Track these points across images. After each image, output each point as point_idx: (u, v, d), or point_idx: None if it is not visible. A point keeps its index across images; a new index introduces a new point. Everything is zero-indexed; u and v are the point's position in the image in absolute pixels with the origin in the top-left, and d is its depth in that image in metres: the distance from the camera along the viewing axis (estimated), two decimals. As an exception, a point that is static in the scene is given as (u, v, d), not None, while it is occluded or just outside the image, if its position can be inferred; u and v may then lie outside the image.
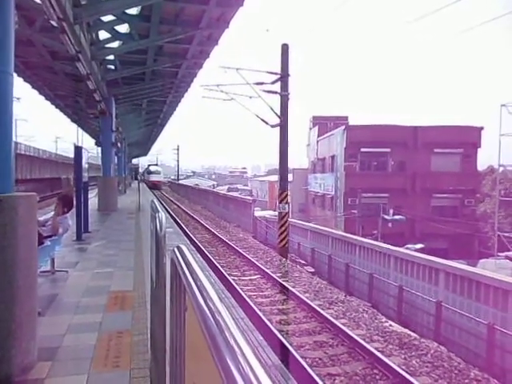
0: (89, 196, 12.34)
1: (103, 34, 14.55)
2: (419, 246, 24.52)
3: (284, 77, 18.16)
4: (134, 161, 69.02)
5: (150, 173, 60.30)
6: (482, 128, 31.66)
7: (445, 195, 30.76)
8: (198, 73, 20.16)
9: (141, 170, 65.53)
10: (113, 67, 17.88)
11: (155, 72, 19.35)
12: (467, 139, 31.05)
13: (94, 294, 5.76)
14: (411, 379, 6.47)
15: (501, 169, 28.56)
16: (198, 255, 10.37)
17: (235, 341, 0.87)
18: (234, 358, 0.81)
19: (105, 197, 17.32)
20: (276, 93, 18.49)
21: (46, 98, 25.37)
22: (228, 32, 14.54)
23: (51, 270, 6.79)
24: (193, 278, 1.26)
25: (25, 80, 19.91)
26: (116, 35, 14.48)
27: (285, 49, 18.33)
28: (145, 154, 75.09)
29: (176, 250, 1.65)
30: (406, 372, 6.81)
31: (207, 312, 1.02)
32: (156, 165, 68.63)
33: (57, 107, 28.75)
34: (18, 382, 3.31)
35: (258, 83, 18.57)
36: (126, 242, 9.92)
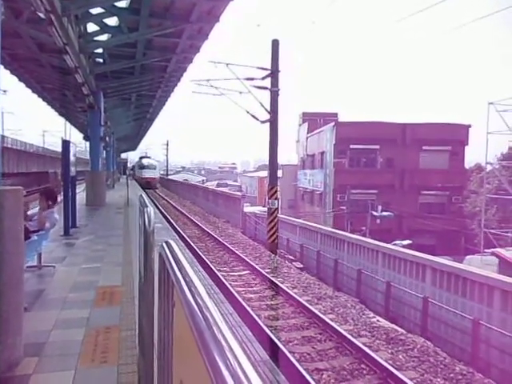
0: (77, 190, 12.22)
1: (92, 27, 14.37)
2: (407, 242, 24.74)
3: (274, 72, 18.13)
4: (123, 155, 68.23)
5: (142, 167, 47.14)
6: (469, 126, 31.98)
7: (433, 192, 31.04)
8: (188, 67, 20.04)
9: (129, 165, 62.96)
10: (101, 60, 17.68)
11: (145, 66, 19.19)
12: (455, 137, 31.35)
13: (82, 289, 5.72)
14: (398, 373, 6.55)
15: (488, 166, 28.88)
16: (187, 250, 10.34)
17: (223, 336, 0.87)
18: (222, 354, 0.80)
19: (93, 191, 17.18)
20: (266, 88, 18.45)
21: (33, 91, 25.02)
22: (218, 26, 14.43)
23: (38, 265, 6.72)
24: (181, 274, 1.26)
25: (12, 72, 19.60)
26: (105, 28, 14.31)
27: (275, 44, 18.29)
28: (134, 148, 74.49)
29: (164, 245, 1.64)
30: (393, 366, 6.89)
31: (195, 307, 1.02)
32: (149, 157, 54.58)
33: (44, 100, 28.37)
34: (4, 378, 3.28)
35: (248, 78, 18.52)
36: (115, 237, 9.86)
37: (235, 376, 0.72)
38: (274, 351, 7.00)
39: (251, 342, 5.27)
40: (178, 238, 11.28)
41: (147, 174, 46.13)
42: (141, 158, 54.10)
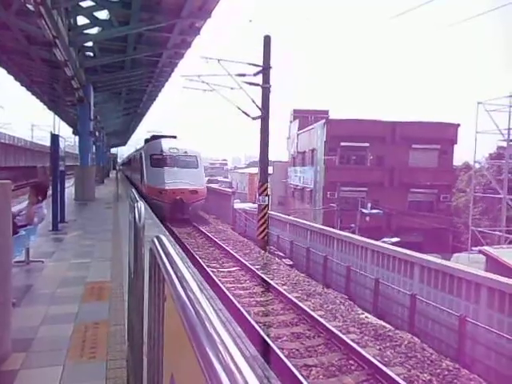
0: (66, 185, 12.12)
1: (82, 20, 14.21)
2: (395, 239, 24.91)
3: (266, 69, 18.11)
4: (113, 150, 67.68)
5: (161, 161, 22.46)
6: (458, 125, 32.27)
7: (421, 190, 31.29)
8: (178, 63, 19.92)
9: (119, 160, 61.52)
10: (91, 54, 17.50)
11: (135, 60, 19.03)
12: (444, 135, 31.61)
13: (71, 284, 5.68)
14: (385, 369, 6.62)
15: (476, 165, 29.21)
16: (177, 246, 10.30)
17: (215, 330, 0.87)
18: (214, 347, 0.81)
19: (82, 186, 17.04)
20: (257, 85, 18.43)
21: (22, 84, 24.70)
22: (210, 22, 14.36)
23: (26, 260, 6.66)
24: (172, 268, 1.26)
25: (0, 65, 19.34)
26: (95, 21, 14.15)
27: (267, 41, 18.27)
28: (124, 143, 73.92)
29: (155, 240, 1.64)
30: (381, 362, 6.96)
31: (187, 302, 1.02)
32: (174, 137, 26.77)
33: (33, 94, 28.01)
34: (-10, 373, 3.25)
35: (239, 75, 18.49)
36: (104, 233, 9.80)
37: (227, 369, 0.73)
38: (263, 347, 7.03)
39: (241, 337, 5.28)
40: (168, 233, 11.23)
41: (178, 180, 21.50)
42: (153, 137, 26.92)
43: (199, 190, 21.76)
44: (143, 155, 23.38)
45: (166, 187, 20.76)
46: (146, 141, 27.44)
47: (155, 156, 22.42)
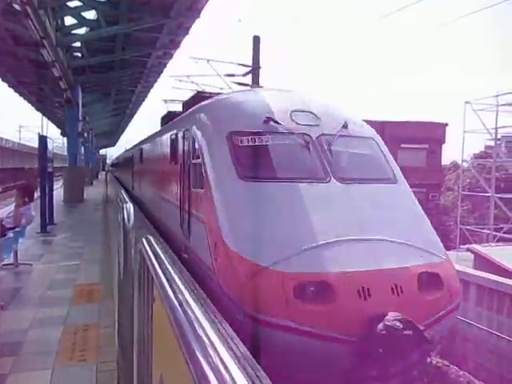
0: (54, 187, 12.01)
1: (69, 20, 14.10)
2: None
3: (255, 69, 18.11)
4: (102, 152, 67.25)
5: (280, 162, 5.43)
6: (446, 124, 32.61)
7: (410, 189, 31.54)
8: (168, 63, 19.86)
9: (109, 161, 61.00)
10: (79, 55, 17.36)
11: (124, 61, 18.92)
12: (433, 135, 31.92)
13: (60, 287, 5.63)
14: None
15: (464, 164, 29.50)
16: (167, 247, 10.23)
17: (204, 331, 0.87)
18: (203, 348, 0.81)
19: (71, 188, 16.88)
20: (247, 85, 18.41)
21: (10, 85, 24.40)
22: (200, 22, 14.34)
23: (14, 262, 6.58)
24: (161, 269, 1.25)
25: (-14, 66, 19.13)
26: (83, 22, 14.05)
27: (256, 41, 18.25)
28: (113, 144, 73.45)
29: (144, 240, 1.63)
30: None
31: (175, 303, 1.02)
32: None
33: (20, 95, 27.71)
34: (-22, 377, 3.21)
35: (228, 75, 18.44)
36: (93, 234, 9.72)
37: (215, 369, 0.73)
38: (255, 347, 7.01)
39: (233, 338, 5.28)
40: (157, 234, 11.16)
41: (361, 230, 4.56)
42: (198, 97, 8.33)
43: (438, 271, 4.59)
44: (200, 140, 6.01)
45: (336, 270, 4.16)
46: (163, 120, 12.49)
47: (259, 140, 5.38)
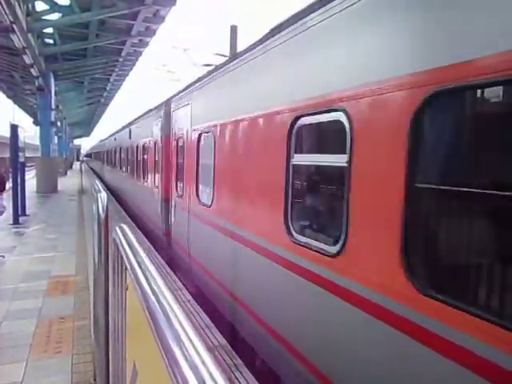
0: (26, 177, 11.72)
1: (41, 6, 13.66)
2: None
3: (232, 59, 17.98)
4: (77, 142, 65.93)
5: None
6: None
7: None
8: (143, 51, 19.53)
9: (83, 151, 59.84)
10: (52, 41, 16.87)
11: (98, 48, 18.49)
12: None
13: (34, 279, 5.53)
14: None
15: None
16: (141, 235, 10.12)
17: (177, 318, 0.87)
18: (175, 334, 0.80)
19: (44, 178, 16.53)
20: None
21: (-22, 72, 23.61)
22: (176, 10, 14.12)
23: (-15, 254, 6.44)
24: (134, 257, 1.24)
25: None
26: (55, 7, 13.63)
27: (233, 31, 18.08)
28: (87, 134, 72.08)
29: (118, 229, 1.61)
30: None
31: (148, 290, 1.01)
32: None
33: (-10, 82, 26.85)
34: (-52, 372, 3.13)
35: (205, 65, 18.25)
36: (68, 226, 9.56)
37: (187, 355, 0.73)
38: (232, 335, 7.05)
39: (210, 327, 5.29)
40: (133, 223, 11.05)
41: None
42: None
43: None
44: None
45: None
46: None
47: None
